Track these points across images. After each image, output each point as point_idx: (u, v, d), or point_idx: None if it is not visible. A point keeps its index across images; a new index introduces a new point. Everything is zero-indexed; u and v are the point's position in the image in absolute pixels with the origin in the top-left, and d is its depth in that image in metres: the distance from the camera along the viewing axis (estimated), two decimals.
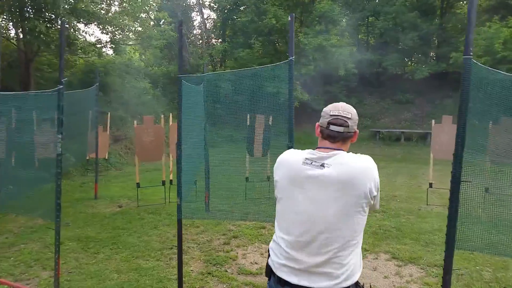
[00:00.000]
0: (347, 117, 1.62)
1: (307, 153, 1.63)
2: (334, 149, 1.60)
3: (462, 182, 2.47)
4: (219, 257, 4.54)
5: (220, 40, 22.99)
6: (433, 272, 4.09)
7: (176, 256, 4.02)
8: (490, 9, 17.47)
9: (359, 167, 1.53)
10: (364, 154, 1.63)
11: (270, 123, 6.88)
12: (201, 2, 22.78)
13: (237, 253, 4.71)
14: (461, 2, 20.21)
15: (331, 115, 1.64)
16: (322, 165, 1.55)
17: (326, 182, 1.52)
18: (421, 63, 19.48)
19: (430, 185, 7.03)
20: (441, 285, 2.45)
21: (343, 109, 1.65)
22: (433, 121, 7.39)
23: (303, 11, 20.00)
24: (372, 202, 1.56)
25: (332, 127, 1.61)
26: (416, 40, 18.04)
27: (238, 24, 20.38)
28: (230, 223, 5.84)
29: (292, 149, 1.75)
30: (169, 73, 17.63)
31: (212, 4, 22.74)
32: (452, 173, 2.43)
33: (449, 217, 2.45)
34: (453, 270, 4.01)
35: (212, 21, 24.16)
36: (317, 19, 19.51)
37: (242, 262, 4.43)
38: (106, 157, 9.31)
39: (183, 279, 3.95)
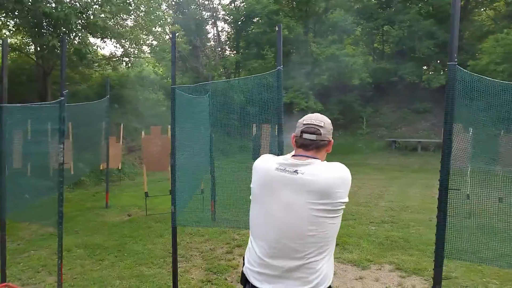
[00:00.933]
0: (320, 126, 1.64)
1: (282, 159, 1.65)
2: (309, 157, 1.62)
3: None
4: (221, 266, 4.56)
5: (234, 51, 23.31)
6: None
7: (179, 263, 4.08)
8: (509, 15, 17.10)
9: (336, 177, 1.55)
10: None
11: (276, 133, 6.89)
12: (214, 14, 23.16)
13: (238, 262, 4.71)
14: (477, 10, 19.90)
15: (304, 124, 1.67)
16: (296, 172, 1.56)
17: (300, 188, 1.53)
18: (438, 71, 19.17)
19: None
20: None
21: (316, 118, 1.68)
22: (443, 129, 7.21)
23: (316, 22, 20.09)
24: (344, 207, 1.59)
25: (305, 135, 1.64)
26: (433, 48, 17.80)
27: (251, 36, 20.64)
28: (234, 232, 5.86)
29: (267, 154, 1.77)
30: (183, 84, 17.97)
31: (226, 17, 23.13)
32: (440, 181, 2.41)
33: (438, 225, 2.42)
34: (458, 282, 3.95)
35: (226, 33, 24.55)
36: (330, 29, 19.56)
37: None
38: (119, 167, 9.51)
39: (183, 286, 4.01)
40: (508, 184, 5.65)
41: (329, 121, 1.71)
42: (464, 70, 2.46)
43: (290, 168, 1.58)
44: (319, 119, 1.67)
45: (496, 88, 2.67)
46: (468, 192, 5.33)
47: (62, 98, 3.35)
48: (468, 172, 6.13)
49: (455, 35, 2.34)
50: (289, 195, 1.55)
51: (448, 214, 2.46)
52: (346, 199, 1.56)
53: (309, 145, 1.63)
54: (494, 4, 19.09)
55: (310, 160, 1.60)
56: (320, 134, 1.63)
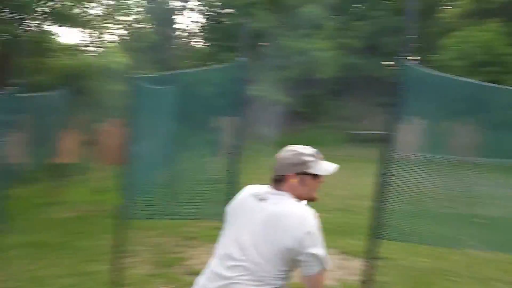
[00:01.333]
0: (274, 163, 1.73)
1: (260, 188, 1.71)
2: (279, 189, 1.66)
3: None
4: (170, 259, 4.53)
5: (206, 43, 23.03)
6: (377, 265, 4.13)
7: (127, 259, 3.99)
8: (470, 14, 17.71)
9: (292, 211, 1.57)
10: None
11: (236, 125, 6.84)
12: (186, 5, 22.77)
13: (191, 254, 4.71)
14: (443, 8, 20.50)
15: None
16: (265, 200, 1.63)
17: (259, 215, 1.59)
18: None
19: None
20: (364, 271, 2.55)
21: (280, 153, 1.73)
22: (384, 120, 7.44)
23: (288, 15, 20.09)
24: (298, 258, 1.51)
25: None
26: (399, 44, 18.19)
27: (224, 27, 20.43)
28: (190, 226, 5.80)
29: (256, 185, 1.78)
30: (152, 75, 17.45)
31: (197, 8, 22.79)
32: (378, 168, 2.55)
33: (374, 208, 2.53)
34: (397, 264, 4.14)
35: (197, 24, 24.17)
36: (301, 23, 19.62)
37: (192, 263, 4.42)
38: (73, 162, 9.14)
39: (129, 281, 3.92)
40: (450, 172, 5.97)
41: (288, 155, 1.67)
42: (415, 65, 2.55)
43: (262, 196, 1.65)
44: (277, 155, 1.71)
45: (445, 83, 2.80)
46: (412, 179, 5.63)
47: (10, 87, 3.19)
48: (415, 161, 6.39)
49: (409, 31, 2.44)
50: (248, 219, 1.61)
51: (385, 199, 2.55)
52: (296, 246, 1.48)
53: (271, 178, 1.70)
54: (458, 2, 19.69)
55: (280, 192, 1.64)
56: (273, 170, 1.69)
